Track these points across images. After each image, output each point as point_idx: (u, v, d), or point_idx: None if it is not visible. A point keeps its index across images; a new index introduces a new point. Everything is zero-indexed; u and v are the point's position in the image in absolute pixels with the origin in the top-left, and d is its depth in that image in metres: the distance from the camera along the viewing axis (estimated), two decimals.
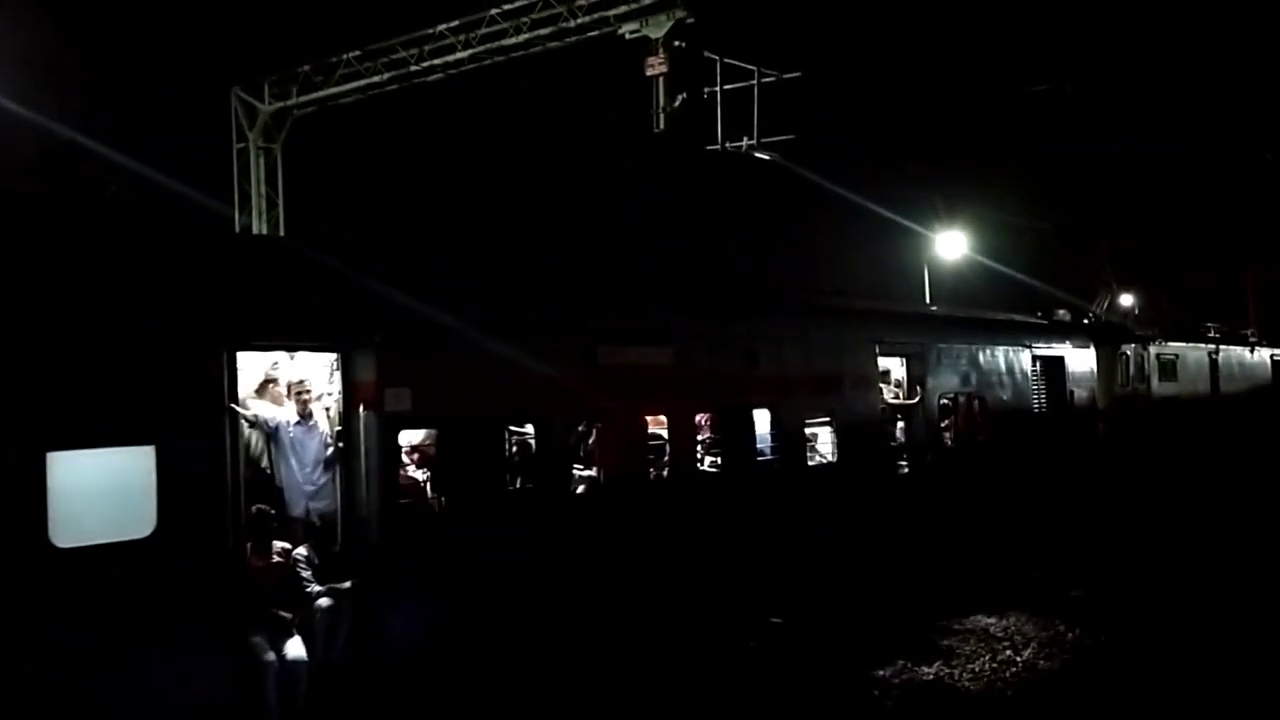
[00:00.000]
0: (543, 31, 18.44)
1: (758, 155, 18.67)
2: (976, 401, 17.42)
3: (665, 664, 10.79)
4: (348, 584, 8.78)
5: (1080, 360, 21.33)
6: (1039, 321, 22.47)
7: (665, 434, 12.02)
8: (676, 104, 16.93)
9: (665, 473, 11.89)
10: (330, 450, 9.31)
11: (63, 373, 7.10)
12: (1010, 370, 18.54)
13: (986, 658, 12.30)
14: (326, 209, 25.46)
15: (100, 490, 7.25)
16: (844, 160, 31.98)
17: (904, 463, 15.94)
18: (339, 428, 9.15)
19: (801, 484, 13.55)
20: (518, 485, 10.53)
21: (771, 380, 13.30)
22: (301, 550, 8.94)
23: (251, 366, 9.54)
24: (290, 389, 9.57)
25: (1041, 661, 12.21)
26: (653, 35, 16.96)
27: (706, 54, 17.95)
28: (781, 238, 40.96)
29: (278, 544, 8.85)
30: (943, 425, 16.73)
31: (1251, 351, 34.84)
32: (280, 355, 9.69)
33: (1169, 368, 27.48)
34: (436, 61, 19.78)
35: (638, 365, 11.56)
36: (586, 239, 32.22)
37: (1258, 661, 11.69)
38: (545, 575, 10.03)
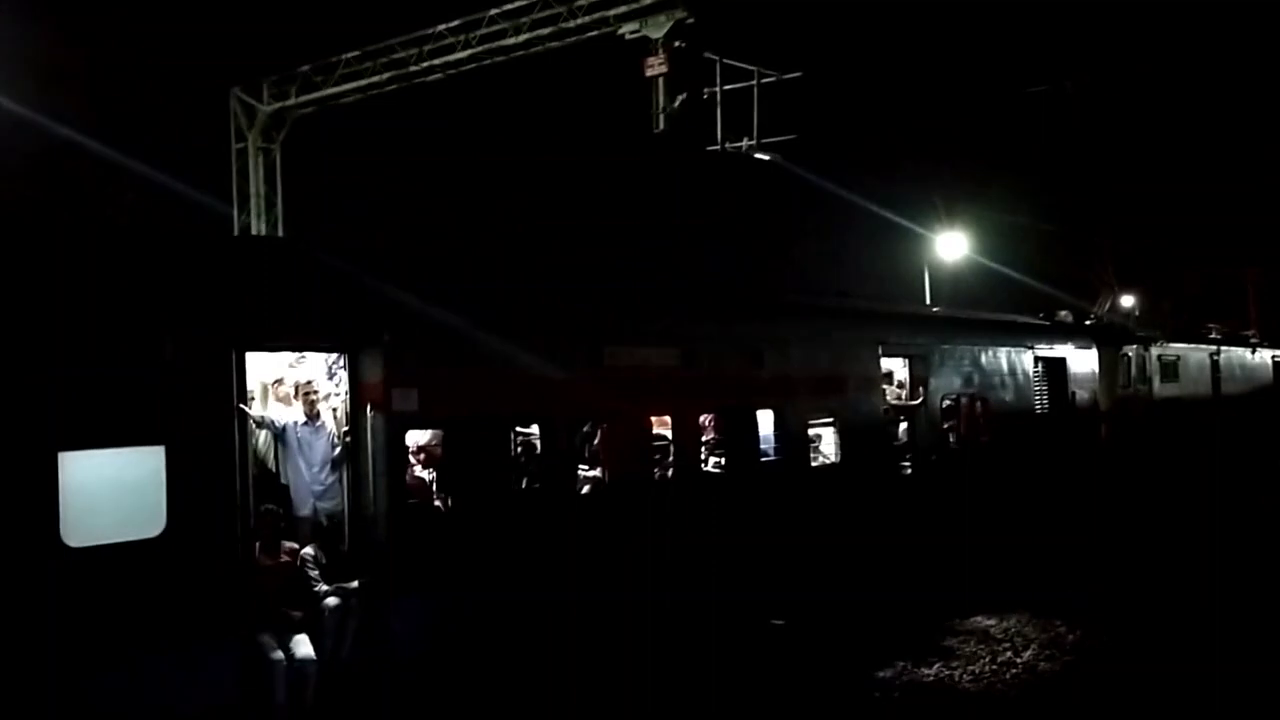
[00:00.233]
0: (542, 32, 18.44)
1: (758, 156, 18.67)
2: (979, 402, 17.45)
3: (668, 663, 10.80)
4: (355, 583, 8.82)
5: (1082, 361, 21.33)
6: (1041, 323, 22.50)
7: (670, 434, 12.04)
8: (676, 104, 16.91)
9: (669, 473, 11.91)
10: (337, 450, 9.36)
11: (74, 373, 7.14)
12: (1012, 371, 18.56)
13: (987, 659, 12.27)
14: (326, 209, 25.48)
15: (111, 490, 7.29)
16: (844, 161, 32.00)
17: (907, 463, 15.95)
18: (346, 428, 9.19)
19: (805, 485, 13.56)
20: (523, 485, 10.56)
21: (775, 381, 13.32)
22: (309, 550, 8.98)
23: (270, 367, 9.66)
24: (297, 389, 9.62)
25: (1042, 663, 12.18)
26: (652, 35, 16.95)
27: (706, 54, 17.95)
28: (781, 238, 40.98)
29: (286, 543, 8.89)
30: (945, 426, 16.75)
31: (1253, 353, 34.83)
32: (289, 356, 9.74)
33: (1170, 369, 27.48)
34: (436, 62, 19.78)
35: (642, 366, 11.60)
36: (586, 240, 32.23)
37: (1258, 661, 11.65)
38: (550, 574, 10.06)
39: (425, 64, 19.91)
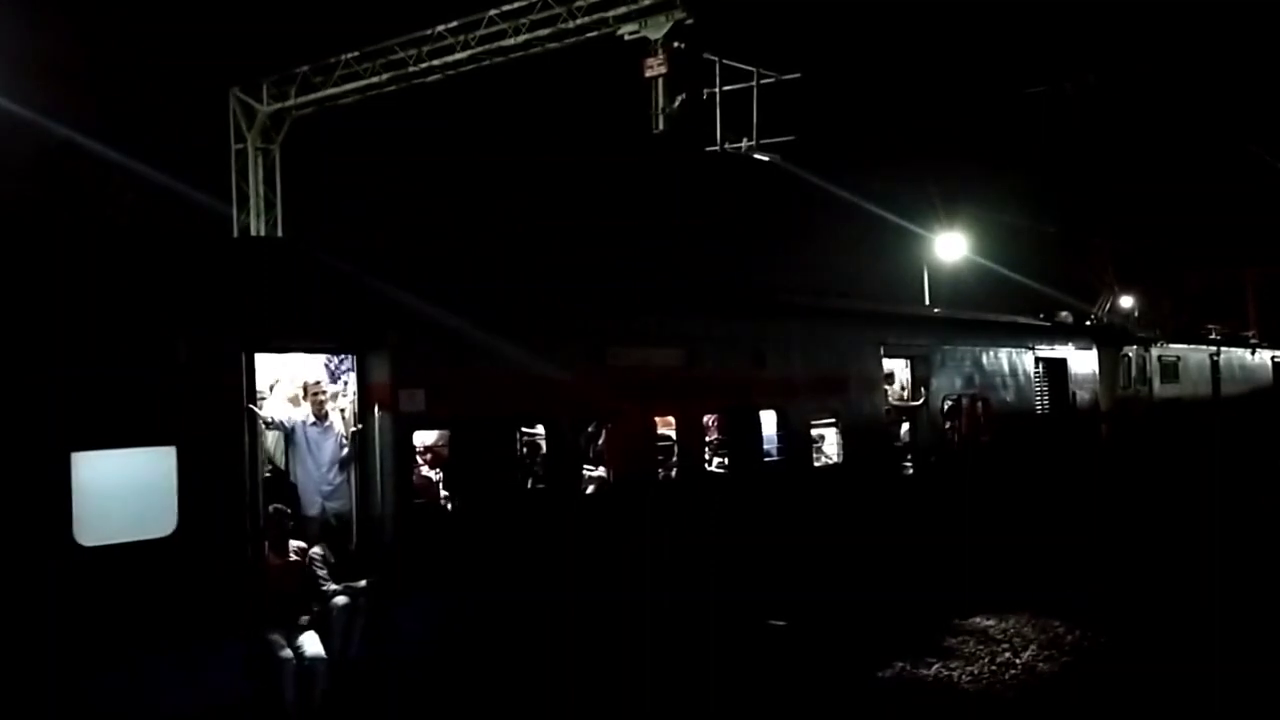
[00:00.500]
0: (542, 32, 18.44)
1: (757, 156, 18.66)
2: (980, 403, 17.50)
3: (672, 662, 10.84)
4: (363, 582, 8.88)
5: (1083, 362, 21.37)
6: (1042, 323, 22.52)
7: (673, 434, 12.09)
8: (676, 105, 16.90)
9: (674, 473, 11.97)
10: (345, 451, 9.40)
11: (86, 374, 7.20)
12: (1013, 372, 18.61)
13: (986, 659, 12.27)
14: (326, 209, 25.47)
15: (123, 490, 7.36)
16: (843, 161, 32.00)
17: (908, 464, 16.01)
18: (354, 428, 9.25)
19: (807, 484, 13.61)
20: (529, 485, 10.62)
21: (778, 382, 13.38)
22: (317, 549, 9.04)
23: (288, 370, 9.74)
24: (306, 390, 9.67)
25: (1041, 663, 12.17)
26: (652, 36, 16.95)
27: (705, 55, 17.94)
28: (780, 239, 40.97)
29: (294, 543, 8.95)
30: (947, 426, 16.78)
31: (1252, 353, 34.85)
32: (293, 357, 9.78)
33: (1171, 369, 27.50)
34: (435, 62, 19.78)
35: (646, 366, 11.66)
36: (586, 240, 32.23)
37: (1258, 661, 11.65)
38: (555, 573, 10.12)
39: (424, 64, 19.90)
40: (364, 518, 9.03)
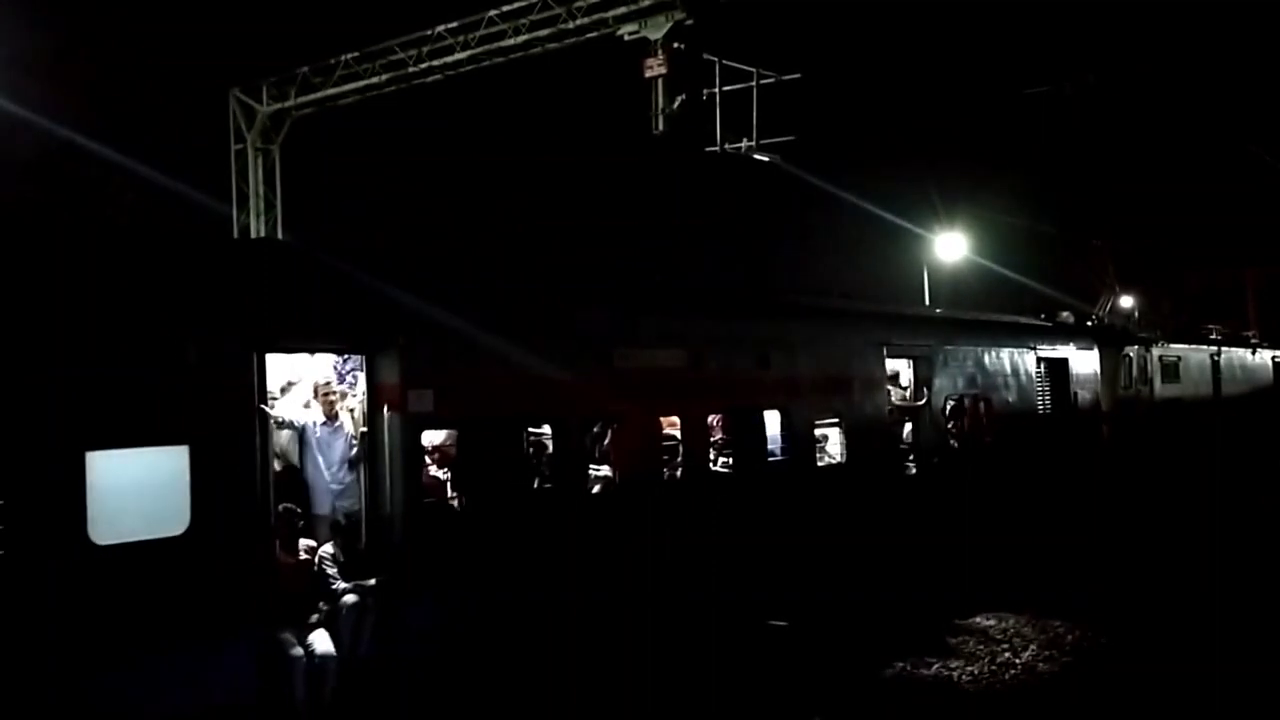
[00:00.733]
0: (541, 33, 18.41)
1: (757, 157, 18.65)
2: (982, 403, 17.55)
3: (676, 661, 10.90)
4: (372, 581, 8.93)
5: (1084, 362, 21.39)
6: (1043, 324, 22.53)
7: (679, 434, 12.16)
8: (675, 105, 16.89)
9: (679, 472, 12.04)
10: (355, 450, 9.49)
11: (100, 374, 7.27)
12: (1015, 372, 18.65)
13: (986, 659, 12.29)
14: (326, 210, 25.47)
15: (137, 489, 7.43)
16: (843, 162, 32.01)
17: (911, 463, 16.04)
18: (363, 428, 9.30)
19: (811, 484, 13.66)
20: (536, 484, 10.67)
21: (782, 382, 13.45)
22: (328, 548, 9.11)
23: (306, 372, 9.83)
24: (316, 390, 9.77)
25: (1041, 664, 12.18)
26: (651, 37, 16.93)
27: (705, 55, 17.93)
28: (780, 239, 40.96)
29: (304, 542, 9.02)
30: (949, 426, 16.80)
31: (1253, 353, 34.85)
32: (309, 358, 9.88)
33: (1171, 369, 27.51)
34: (435, 63, 19.75)
35: (652, 367, 11.72)
36: (586, 240, 32.21)
37: (1258, 661, 11.64)
38: (562, 572, 10.20)
39: (424, 65, 19.87)
40: (373, 517, 9.11)
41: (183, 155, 24.02)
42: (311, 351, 9.60)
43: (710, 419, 12.78)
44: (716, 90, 18.13)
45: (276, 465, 9.35)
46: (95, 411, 7.20)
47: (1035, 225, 38.99)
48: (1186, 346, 29.47)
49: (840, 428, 14.42)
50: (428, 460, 9.84)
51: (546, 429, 10.85)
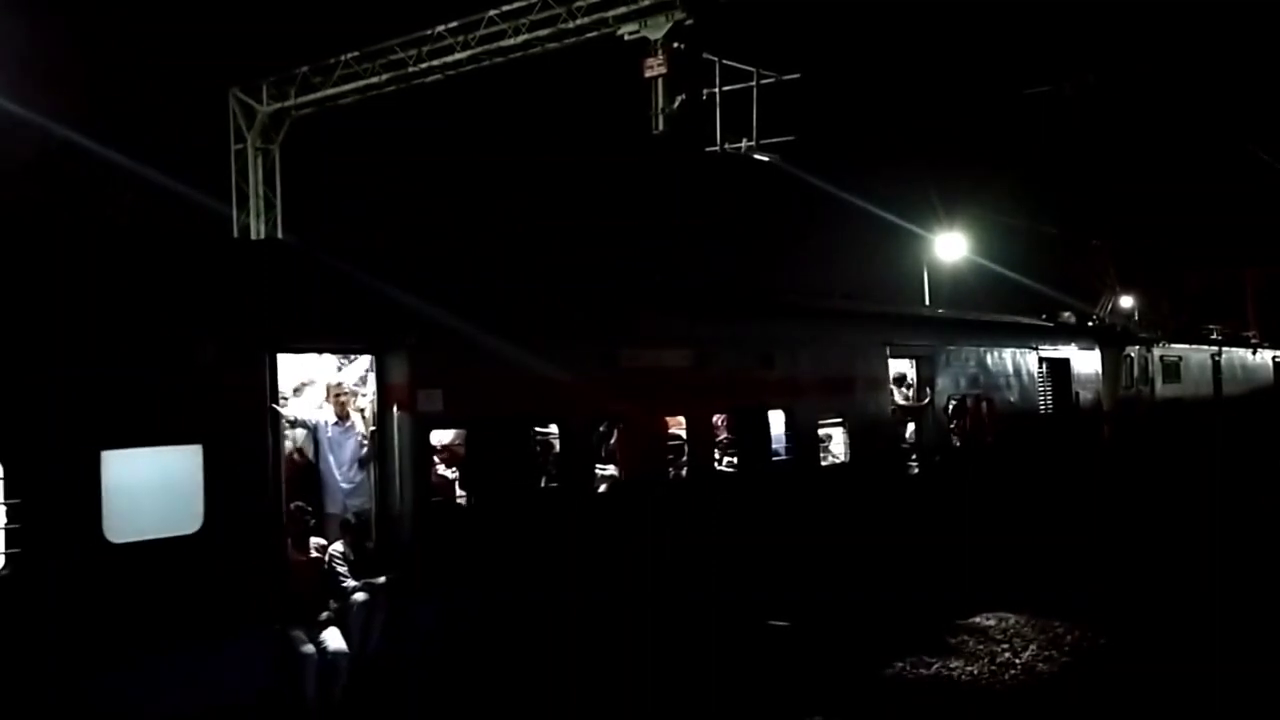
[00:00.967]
0: (541, 33, 18.43)
1: (757, 157, 18.65)
2: (984, 403, 17.59)
3: (680, 659, 10.93)
4: (382, 579, 8.98)
5: (1085, 362, 21.42)
6: (1045, 324, 22.55)
7: (684, 434, 12.20)
8: (675, 105, 16.90)
9: (684, 472, 12.08)
10: (365, 449, 9.54)
11: (115, 374, 7.32)
12: (1017, 372, 18.69)
13: (986, 659, 12.29)
14: (326, 210, 25.47)
15: (151, 487, 7.48)
16: (843, 162, 32.00)
17: (913, 463, 16.07)
18: (373, 428, 9.36)
19: (814, 484, 13.70)
20: (543, 483, 10.74)
21: (786, 382, 13.49)
22: (338, 546, 9.15)
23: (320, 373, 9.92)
24: (329, 391, 9.84)
25: (1041, 664, 12.18)
26: (651, 36, 16.95)
27: (705, 55, 17.93)
28: (780, 239, 40.97)
29: (315, 540, 9.07)
30: (951, 426, 16.84)
31: (1253, 353, 34.87)
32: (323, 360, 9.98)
33: (1172, 369, 27.53)
34: (435, 63, 19.77)
35: (657, 368, 11.76)
36: (586, 240, 32.22)
37: (1258, 661, 11.64)
38: (568, 570, 10.25)
39: (424, 65, 19.89)
40: (383, 515, 9.16)
41: (182, 155, 24.04)
42: (321, 351, 9.67)
43: (715, 419, 12.82)
44: (716, 90, 18.14)
45: (295, 458, 9.50)
46: (110, 411, 7.25)
47: (1035, 225, 38.99)
48: (1187, 346, 29.50)
49: (843, 428, 14.47)
50: (436, 459, 9.90)
51: (553, 428, 10.90)
